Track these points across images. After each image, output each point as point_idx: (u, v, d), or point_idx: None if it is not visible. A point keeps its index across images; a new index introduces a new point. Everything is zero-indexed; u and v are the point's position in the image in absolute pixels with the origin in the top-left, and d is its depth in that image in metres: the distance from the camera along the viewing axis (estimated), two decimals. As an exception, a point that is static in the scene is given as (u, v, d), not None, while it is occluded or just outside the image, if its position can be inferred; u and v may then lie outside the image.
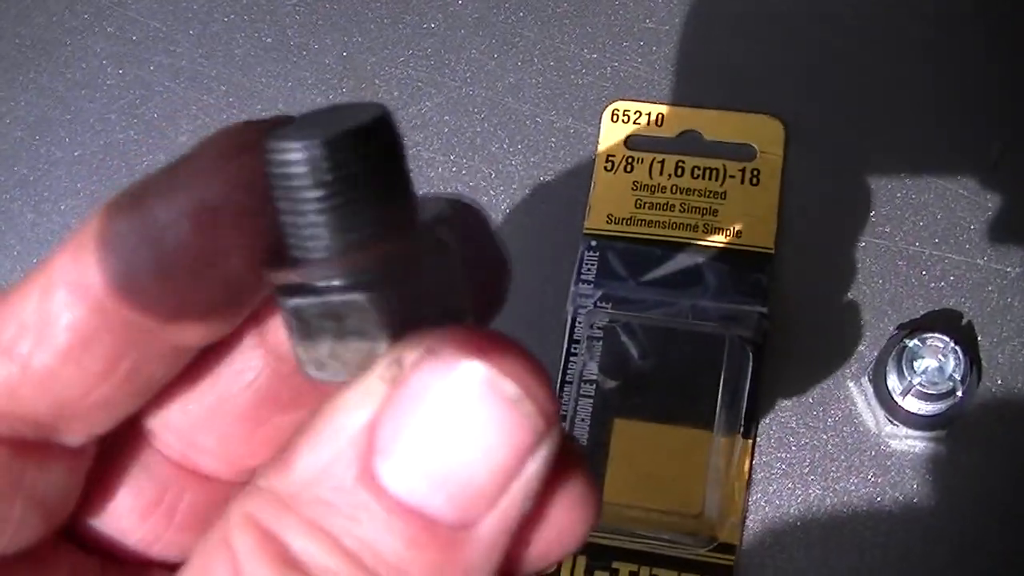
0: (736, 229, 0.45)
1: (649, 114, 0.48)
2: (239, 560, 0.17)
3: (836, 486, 0.43)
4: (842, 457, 0.43)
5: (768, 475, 0.43)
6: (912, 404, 0.41)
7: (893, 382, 0.41)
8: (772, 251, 0.45)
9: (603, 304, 0.44)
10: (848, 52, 0.48)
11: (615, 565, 0.42)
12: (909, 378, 0.40)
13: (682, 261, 0.45)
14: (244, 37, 0.53)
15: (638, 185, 0.46)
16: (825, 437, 0.43)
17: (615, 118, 0.48)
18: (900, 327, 0.43)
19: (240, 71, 0.52)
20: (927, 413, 0.41)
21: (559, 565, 0.42)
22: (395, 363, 0.17)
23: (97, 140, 0.52)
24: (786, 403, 0.44)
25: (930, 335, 0.41)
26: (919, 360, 0.41)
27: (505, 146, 0.49)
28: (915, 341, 0.41)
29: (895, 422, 0.41)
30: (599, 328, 0.44)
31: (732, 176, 0.46)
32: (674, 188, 0.46)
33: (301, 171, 0.17)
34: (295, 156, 0.17)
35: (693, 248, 0.45)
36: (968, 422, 0.42)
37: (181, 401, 0.21)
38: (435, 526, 0.17)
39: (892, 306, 0.45)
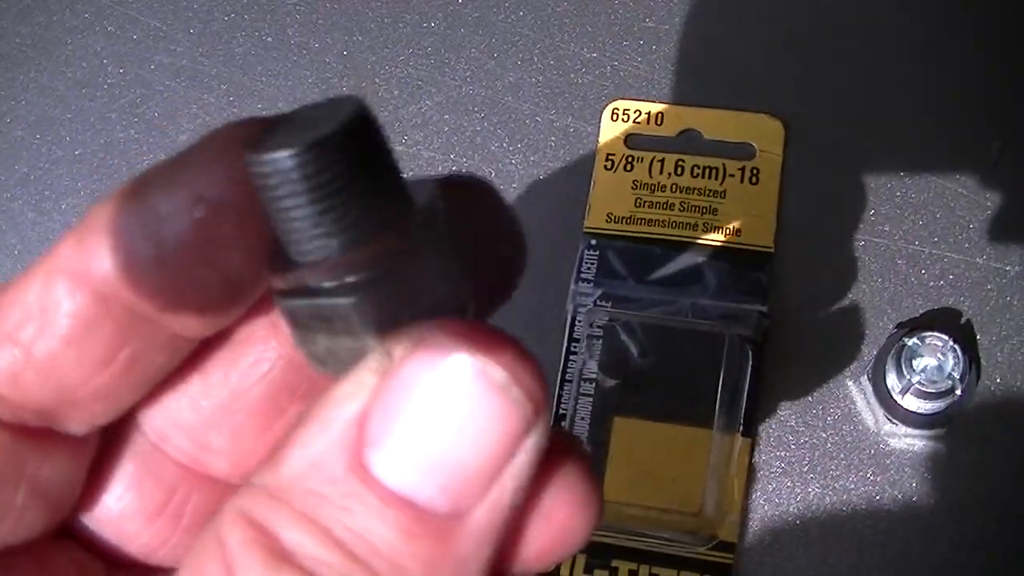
0: (736, 228, 0.45)
1: (649, 113, 0.48)
2: (231, 555, 0.17)
3: (835, 484, 0.43)
4: (841, 455, 0.43)
5: (767, 473, 0.43)
6: (911, 402, 0.41)
7: (892, 380, 0.41)
8: (772, 250, 0.45)
9: (603, 303, 0.44)
10: (848, 51, 0.48)
11: (615, 563, 0.42)
12: (908, 376, 0.41)
13: (682, 260, 0.45)
14: (244, 36, 0.53)
15: (638, 184, 0.47)
16: (824, 435, 0.43)
17: (615, 117, 0.48)
18: (899, 326, 0.43)
19: (240, 70, 0.52)
20: (926, 411, 0.41)
21: (559, 563, 0.42)
22: (385, 355, 0.17)
23: (98, 139, 0.52)
24: (785, 402, 0.44)
25: (929, 334, 0.41)
26: (918, 359, 0.41)
27: (505, 145, 0.49)
28: (914, 340, 0.41)
29: (894, 420, 0.41)
30: (599, 327, 0.44)
31: (732, 175, 0.46)
32: (674, 187, 0.46)
33: (276, 181, 0.17)
34: (269, 167, 0.17)
35: (693, 247, 0.45)
36: (967, 420, 0.42)
37: (193, 397, 0.21)
38: (427, 516, 0.17)
39: (891, 305, 0.45)
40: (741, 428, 0.43)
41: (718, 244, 0.45)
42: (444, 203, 0.18)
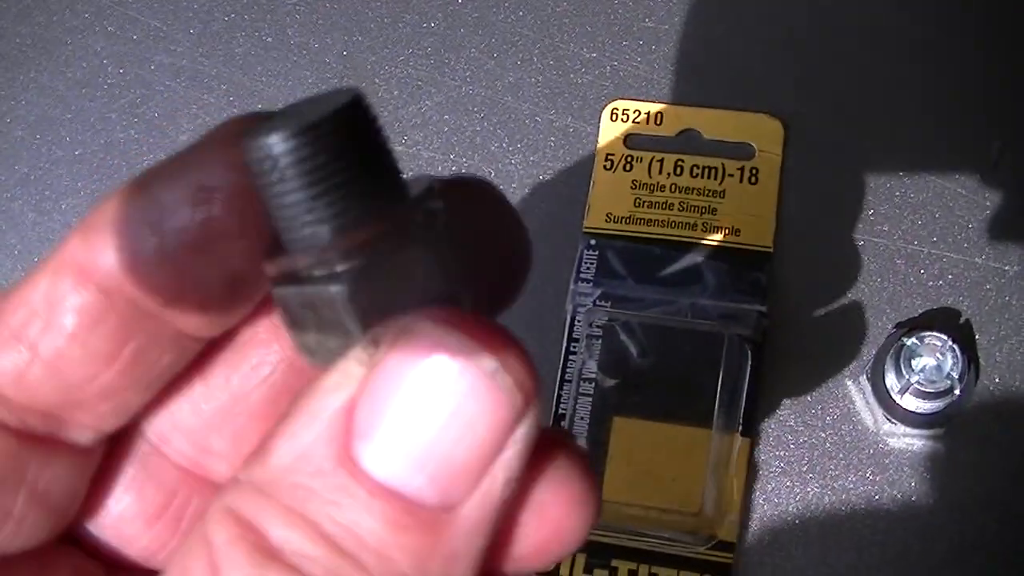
0: (735, 228, 0.45)
1: (648, 113, 0.48)
2: (216, 554, 0.16)
3: (834, 484, 0.43)
4: (840, 455, 0.43)
5: (767, 473, 0.43)
6: (910, 402, 0.41)
7: (891, 380, 0.41)
8: (771, 250, 0.45)
9: (602, 303, 0.44)
10: (847, 51, 0.48)
11: (614, 563, 0.42)
12: (907, 376, 0.41)
13: (681, 260, 0.45)
14: (244, 36, 0.53)
15: (637, 184, 0.47)
16: (823, 435, 0.43)
17: (614, 117, 0.48)
18: (898, 325, 0.43)
19: (240, 70, 0.52)
20: (925, 411, 0.41)
21: (557, 563, 0.42)
22: (372, 345, 0.17)
23: (98, 139, 0.52)
24: (785, 401, 0.44)
25: (928, 333, 0.41)
26: (917, 358, 0.41)
27: (504, 145, 0.49)
28: (913, 339, 0.41)
29: (893, 420, 0.41)
30: (598, 326, 0.44)
31: (731, 175, 0.46)
32: (673, 187, 0.46)
33: (269, 166, 0.17)
34: (261, 152, 0.17)
35: (692, 247, 0.45)
36: (966, 420, 0.42)
37: (194, 400, 0.21)
38: (417, 508, 0.16)
39: (890, 304, 0.45)
40: (740, 428, 0.43)
41: (717, 244, 0.45)
42: (441, 198, 0.18)
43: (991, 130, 0.46)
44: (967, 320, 0.44)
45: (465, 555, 0.17)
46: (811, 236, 0.46)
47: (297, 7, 0.53)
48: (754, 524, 0.43)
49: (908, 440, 0.43)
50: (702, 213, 0.46)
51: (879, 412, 0.42)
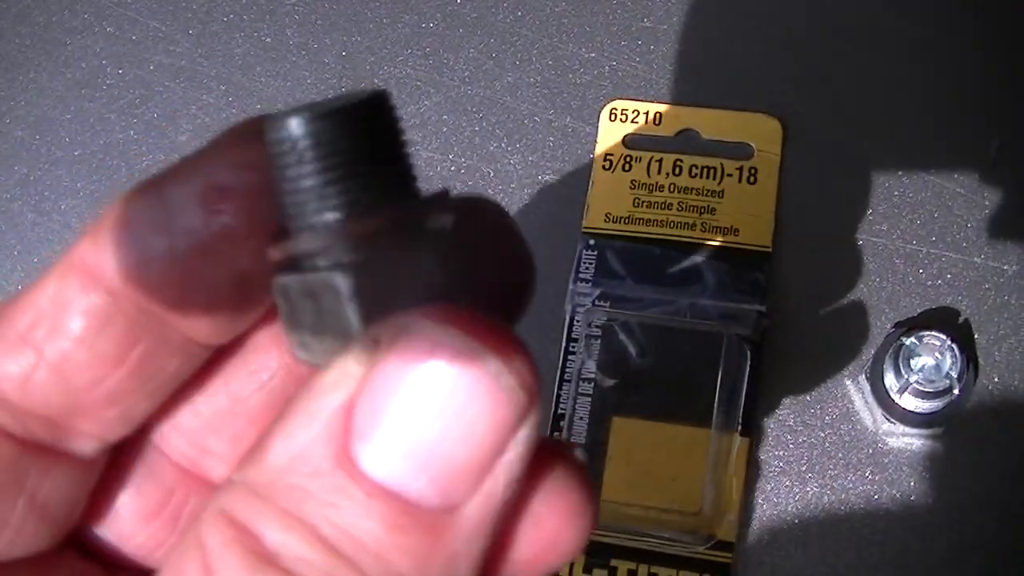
0: (734, 227, 0.45)
1: (647, 113, 0.48)
2: (210, 557, 0.16)
3: (834, 484, 0.43)
4: (839, 455, 0.43)
5: (766, 473, 0.43)
6: (909, 402, 0.41)
7: (890, 380, 0.41)
8: (770, 249, 0.45)
9: (601, 302, 0.44)
10: (846, 51, 0.48)
11: (613, 563, 0.42)
12: (906, 376, 0.41)
13: (680, 260, 0.45)
14: (243, 37, 0.53)
15: (636, 184, 0.47)
16: (823, 435, 0.43)
17: (613, 117, 0.48)
18: (897, 325, 0.43)
19: (240, 71, 0.52)
20: (924, 411, 0.41)
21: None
22: (371, 343, 0.17)
23: (97, 139, 0.52)
24: (784, 401, 0.44)
25: (927, 333, 0.41)
26: (916, 358, 0.41)
27: (503, 145, 0.49)
28: (912, 339, 0.41)
29: (892, 420, 0.41)
30: (597, 326, 0.44)
31: (730, 175, 0.46)
32: (672, 187, 0.46)
33: (286, 148, 0.17)
34: (281, 132, 0.17)
35: (691, 247, 0.45)
36: (965, 420, 0.42)
37: (193, 401, 0.21)
38: (417, 510, 0.16)
39: (889, 304, 0.45)
40: (739, 427, 0.43)
41: (716, 244, 0.45)
42: (453, 207, 0.18)
43: (990, 129, 0.46)
44: (966, 319, 0.44)
45: (466, 557, 0.17)
46: (810, 236, 0.46)
47: (296, 8, 0.53)
48: (753, 524, 0.43)
49: (907, 439, 0.43)
50: (701, 213, 0.46)
51: (878, 412, 0.42)
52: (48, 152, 0.52)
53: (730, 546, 0.42)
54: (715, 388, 0.42)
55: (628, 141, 0.48)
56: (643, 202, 0.46)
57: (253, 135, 0.19)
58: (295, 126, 0.17)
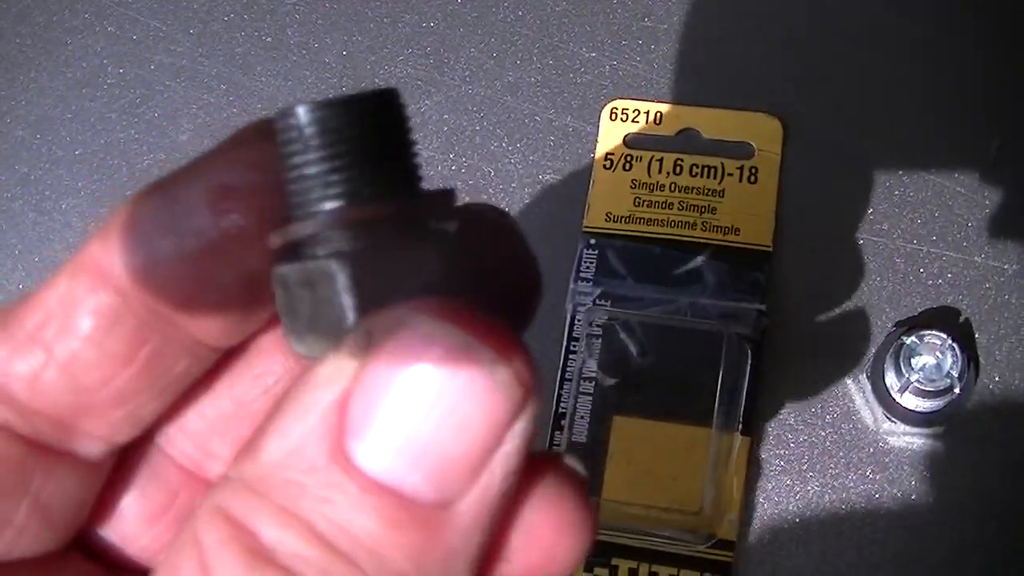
0: (734, 227, 0.45)
1: (648, 112, 0.48)
2: (206, 555, 0.16)
3: (834, 483, 0.43)
4: (840, 454, 0.43)
5: (767, 472, 0.43)
6: (910, 401, 0.41)
7: (891, 379, 0.41)
8: (770, 249, 0.45)
9: (602, 302, 0.44)
10: (846, 50, 0.48)
11: (615, 562, 0.42)
12: (907, 375, 0.41)
13: (681, 259, 0.45)
14: (244, 36, 0.53)
15: (637, 183, 0.47)
16: (823, 434, 0.43)
17: (614, 116, 0.48)
18: (898, 324, 0.44)
19: (240, 70, 0.52)
20: (925, 410, 0.41)
21: None
22: (365, 336, 0.16)
23: (98, 139, 0.52)
24: (784, 400, 0.44)
25: (928, 332, 0.41)
26: (917, 357, 0.41)
27: (504, 144, 0.49)
28: (913, 338, 0.41)
29: (893, 419, 0.41)
30: (598, 326, 0.44)
31: (730, 174, 0.46)
32: (673, 186, 0.46)
33: (294, 135, 0.18)
34: (289, 120, 0.18)
35: (692, 246, 0.45)
36: (965, 419, 0.42)
37: (198, 404, 0.21)
38: (413, 505, 0.16)
39: (890, 303, 0.45)
40: (740, 427, 0.43)
41: (717, 243, 0.45)
42: (459, 210, 0.18)
43: (990, 129, 0.46)
44: (966, 319, 0.44)
45: (464, 552, 0.17)
46: (810, 235, 0.46)
47: (297, 7, 0.53)
48: (754, 523, 0.43)
49: (908, 439, 0.43)
50: (702, 212, 0.46)
51: (879, 411, 0.42)
52: (49, 151, 0.52)
53: (731, 545, 0.42)
54: (716, 387, 0.42)
55: (629, 140, 0.48)
56: (644, 201, 0.46)
57: (262, 136, 0.19)
58: (302, 113, 0.17)
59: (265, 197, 0.19)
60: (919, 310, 0.44)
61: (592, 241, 0.46)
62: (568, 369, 0.44)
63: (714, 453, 0.42)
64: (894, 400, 0.41)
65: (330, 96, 0.18)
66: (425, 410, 0.16)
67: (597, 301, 0.44)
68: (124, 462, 0.21)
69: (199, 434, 0.22)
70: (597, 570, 0.42)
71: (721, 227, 0.45)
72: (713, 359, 0.42)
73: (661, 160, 0.47)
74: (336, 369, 0.16)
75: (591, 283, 0.45)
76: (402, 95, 0.18)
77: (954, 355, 0.41)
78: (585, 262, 0.45)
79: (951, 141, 0.47)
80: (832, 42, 0.49)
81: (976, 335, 0.44)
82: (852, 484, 0.43)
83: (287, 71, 0.52)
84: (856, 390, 0.44)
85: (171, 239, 0.18)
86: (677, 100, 0.48)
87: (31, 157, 0.52)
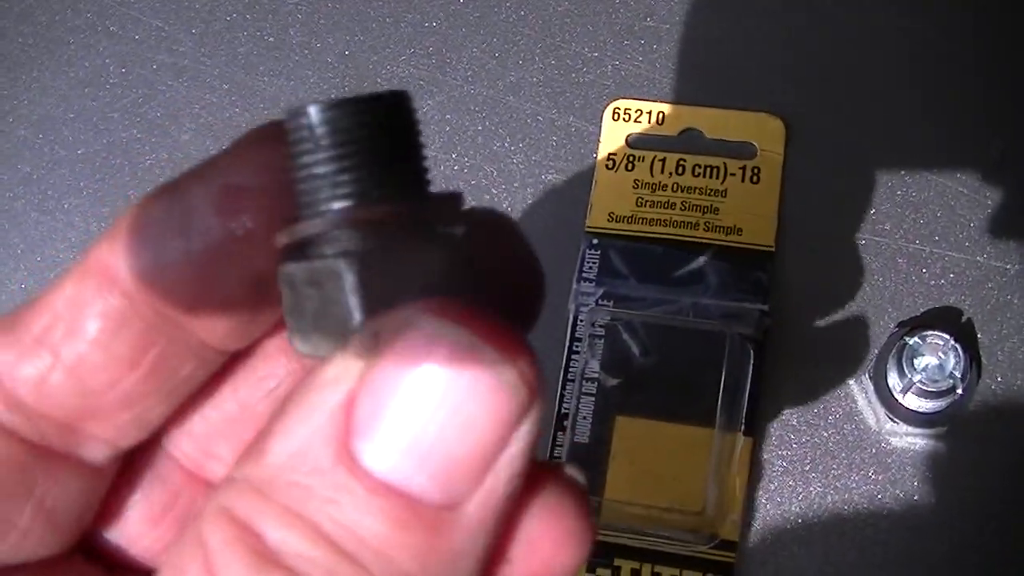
0: (737, 227, 0.45)
1: (650, 112, 0.48)
2: (212, 557, 0.16)
3: (837, 483, 0.43)
4: (843, 454, 0.43)
5: (769, 472, 0.43)
6: (912, 401, 0.41)
7: (893, 379, 0.41)
8: (773, 249, 0.45)
9: (604, 302, 0.44)
10: (849, 50, 0.48)
11: (617, 562, 0.42)
12: (909, 375, 0.41)
13: (683, 259, 0.45)
14: (246, 36, 0.53)
15: (639, 183, 0.47)
16: (826, 434, 0.43)
17: (616, 116, 0.48)
18: (900, 324, 0.44)
19: (242, 70, 0.52)
20: (927, 410, 0.41)
21: None
22: (371, 337, 0.16)
23: (100, 139, 0.52)
24: (787, 400, 0.44)
25: (930, 332, 0.41)
26: (919, 357, 0.41)
27: (506, 144, 0.49)
28: (915, 339, 0.41)
29: (895, 419, 0.41)
30: (601, 326, 0.44)
31: (733, 174, 0.46)
32: (675, 186, 0.46)
33: (305, 134, 0.18)
34: (300, 118, 0.18)
35: (694, 246, 0.45)
36: (968, 419, 0.42)
37: (201, 405, 0.21)
38: (419, 506, 0.16)
39: (892, 304, 0.45)
40: (742, 427, 0.43)
41: (719, 243, 0.45)
42: (466, 213, 0.18)
43: (992, 128, 0.46)
44: (969, 319, 0.44)
45: (469, 553, 0.17)
46: (813, 235, 0.46)
47: (299, 7, 0.53)
48: (756, 523, 0.43)
49: (910, 439, 0.43)
50: (704, 212, 0.46)
51: (881, 411, 0.42)
52: (51, 151, 0.52)
53: (733, 545, 0.42)
54: (718, 388, 0.42)
55: (631, 140, 0.48)
56: (646, 201, 0.46)
57: (268, 140, 0.19)
58: (314, 112, 0.18)
59: (273, 200, 0.19)
60: (921, 310, 0.44)
61: (594, 241, 0.46)
62: (571, 369, 0.44)
63: (716, 453, 0.42)
64: (896, 400, 0.41)
65: (340, 96, 0.18)
66: (431, 411, 0.16)
67: (600, 301, 0.44)
68: (127, 464, 0.21)
69: (202, 436, 0.22)
70: (599, 570, 0.42)
71: (723, 227, 0.45)
72: (716, 359, 0.42)
73: (664, 160, 0.47)
74: (342, 370, 0.16)
75: (594, 283, 0.45)
76: (412, 97, 0.19)
77: (956, 355, 0.41)
78: (588, 262, 0.45)
79: (953, 141, 0.47)
80: (834, 42, 0.49)
81: (978, 335, 0.44)
82: (854, 484, 0.43)
83: (289, 71, 0.52)
84: (858, 390, 0.44)
85: (179, 242, 0.18)
86: (679, 100, 0.48)
87: (33, 157, 0.52)
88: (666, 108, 0.48)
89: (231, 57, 0.53)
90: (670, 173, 0.47)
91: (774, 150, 0.47)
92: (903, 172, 0.46)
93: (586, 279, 0.45)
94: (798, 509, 0.43)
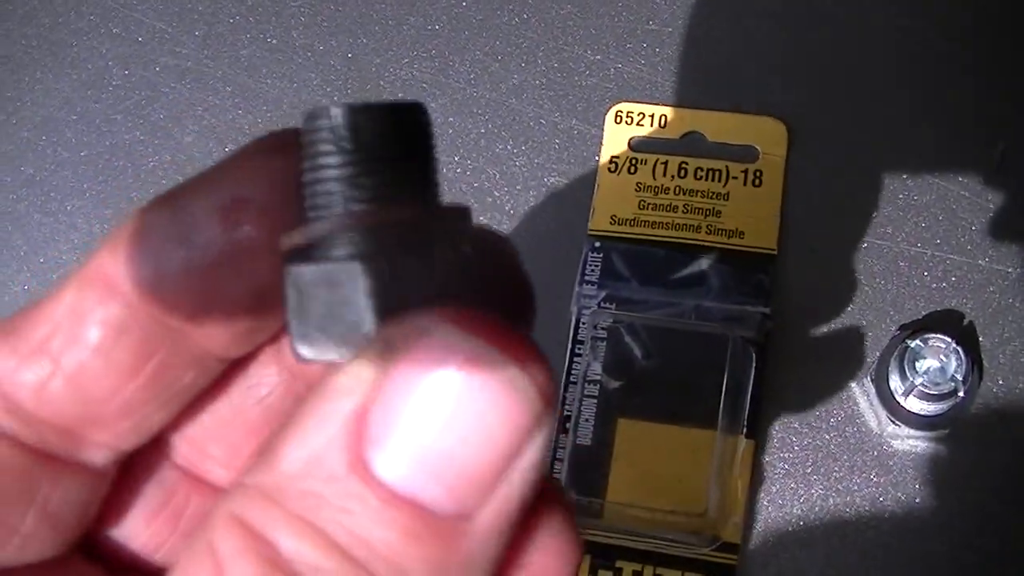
0: (739, 230, 0.45)
1: (652, 116, 0.48)
2: (223, 565, 0.16)
3: (838, 486, 0.43)
4: (844, 457, 0.43)
5: (771, 475, 0.43)
6: (914, 404, 0.41)
7: (895, 382, 0.41)
8: (774, 252, 0.45)
9: (607, 305, 0.45)
10: (850, 54, 0.49)
11: (619, 564, 0.42)
12: (911, 378, 0.41)
13: (685, 262, 0.45)
14: (249, 38, 0.53)
15: (641, 186, 0.47)
16: (828, 437, 0.44)
17: (619, 120, 0.48)
18: (902, 327, 0.44)
19: (245, 72, 0.52)
20: (929, 413, 0.41)
21: None
22: (385, 345, 0.16)
23: (103, 141, 0.52)
24: (789, 403, 0.44)
25: (932, 335, 0.41)
26: (921, 360, 0.41)
27: (509, 147, 0.49)
28: (917, 341, 0.41)
29: (897, 422, 0.41)
30: (603, 329, 0.44)
31: (735, 177, 0.46)
32: (677, 189, 0.46)
33: (326, 135, 0.18)
34: (324, 119, 0.18)
35: (696, 249, 0.45)
36: (970, 422, 0.42)
37: (194, 409, 0.21)
38: (432, 516, 0.16)
39: (894, 307, 0.45)
40: (744, 430, 0.43)
41: (721, 246, 0.45)
42: (471, 225, 0.19)
43: (994, 132, 0.46)
44: (970, 322, 0.44)
45: (480, 564, 0.16)
46: (815, 238, 0.46)
47: (302, 9, 0.53)
48: (758, 526, 0.43)
49: (912, 442, 0.43)
50: (706, 215, 0.46)
51: (883, 414, 0.42)
52: (54, 153, 0.52)
53: (735, 548, 0.42)
54: (720, 390, 0.42)
55: (633, 144, 0.48)
56: (648, 204, 0.46)
57: (273, 149, 0.19)
58: (339, 114, 0.18)
59: (277, 210, 0.19)
60: (923, 313, 0.44)
61: (597, 244, 0.46)
62: (573, 372, 0.44)
63: (718, 456, 0.42)
64: (898, 403, 0.41)
65: (359, 101, 0.18)
66: (446, 421, 0.16)
67: (602, 304, 0.45)
68: (124, 464, 0.21)
69: (195, 438, 0.22)
70: (601, 572, 0.42)
71: (726, 230, 0.45)
72: (717, 362, 0.42)
73: (666, 163, 0.47)
74: (355, 378, 0.16)
75: (596, 286, 0.45)
76: (428, 112, 0.19)
77: (958, 358, 0.41)
78: (590, 265, 0.45)
79: (955, 144, 0.47)
80: (836, 46, 0.49)
81: (980, 338, 0.44)
82: (856, 487, 0.43)
83: (292, 73, 0.52)
84: (860, 393, 0.44)
85: (182, 251, 0.18)
86: (682, 103, 0.48)
87: (36, 158, 0.52)
88: (668, 111, 0.48)
89: (234, 59, 0.53)
90: (672, 176, 0.47)
91: (776, 153, 0.47)
92: (905, 175, 0.46)
93: (588, 282, 0.45)
94: (800, 511, 0.43)
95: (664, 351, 0.43)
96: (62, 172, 0.52)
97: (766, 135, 0.47)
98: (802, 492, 0.43)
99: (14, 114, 0.53)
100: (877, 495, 0.42)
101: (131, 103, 0.53)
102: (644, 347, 0.43)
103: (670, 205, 0.46)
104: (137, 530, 0.22)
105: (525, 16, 0.51)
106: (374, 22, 0.52)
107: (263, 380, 0.21)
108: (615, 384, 0.43)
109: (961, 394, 0.41)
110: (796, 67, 0.49)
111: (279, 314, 0.19)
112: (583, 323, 0.45)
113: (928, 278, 0.45)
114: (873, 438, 0.43)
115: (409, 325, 0.16)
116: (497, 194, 0.48)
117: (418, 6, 0.52)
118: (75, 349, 0.19)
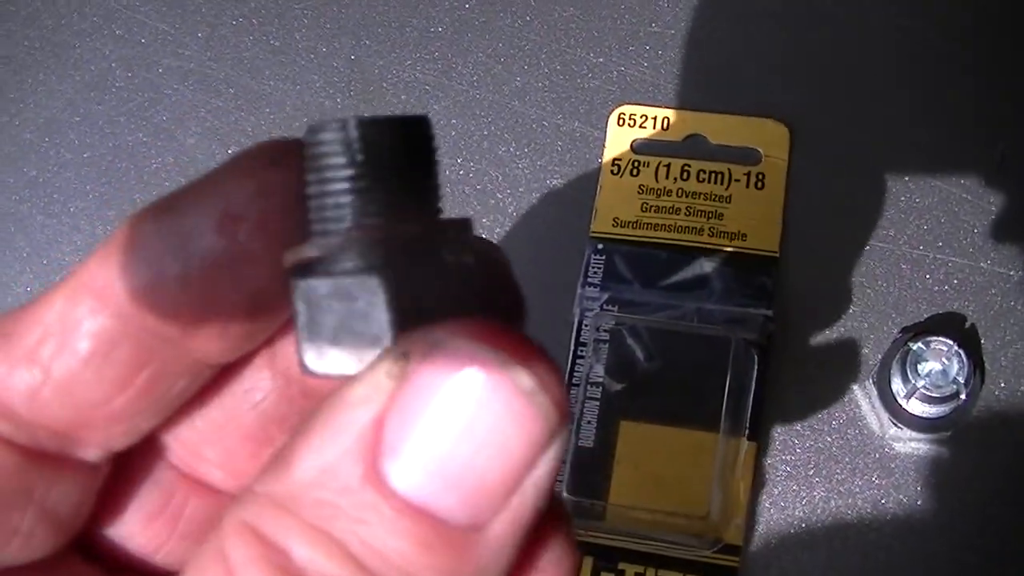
0: (741, 232, 0.45)
1: (655, 118, 0.48)
2: (235, 572, 0.16)
3: (840, 488, 0.43)
4: (846, 459, 0.43)
5: (773, 477, 0.43)
6: (916, 407, 0.41)
7: (897, 385, 0.41)
8: (777, 254, 0.45)
9: (609, 307, 0.45)
10: (852, 56, 0.49)
11: (621, 566, 0.42)
12: (913, 381, 0.41)
13: (687, 264, 0.45)
14: (252, 40, 0.53)
15: (644, 189, 0.47)
16: (830, 440, 0.44)
17: (621, 122, 0.48)
18: (904, 330, 0.44)
19: (248, 74, 0.52)
20: (931, 416, 0.41)
21: None
22: (402, 356, 0.16)
23: (106, 142, 0.52)
24: (791, 405, 0.44)
25: (934, 338, 0.41)
26: (923, 363, 0.41)
27: (512, 149, 0.49)
28: (919, 344, 0.41)
29: (899, 425, 0.41)
30: (605, 331, 0.44)
31: (737, 180, 0.46)
32: (680, 192, 0.46)
33: (338, 148, 0.18)
34: (330, 134, 0.18)
35: (699, 251, 0.45)
36: (972, 425, 0.42)
37: (189, 414, 0.21)
38: (445, 527, 0.16)
39: (896, 309, 0.45)
40: (747, 432, 0.43)
41: (724, 249, 0.45)
42: (472, 235, 0.19)
43: (996, 134, 0.46)
44: (972, 325, 0.44)
45: (492, 573, 0.17)
46: (817, 241, 0.46)
47: (305, 11, 0.53)
48: (760, 528, 0.43)
49: (914, 445, 0.43)
50: (709, 218, 0.46)
51: (885, 417, 0.42)
52: (57, 154, 0.53)
53: (737, 550, 0.42)
54: (722, 392, 0.42)
55: (636, 146, 0.48)
56: (651, 207, 0.46)
57: (271, 159, 0.19)
58: (352, 127, 0.18)
59: (274, 220, 0.19)
60: (925, 316, 0.45)
61: (599, 246, 0.46)
62: (575, 374, 0.44)
63: (721, 458, 0.42)
64: (900, 406, 0.41)
65: (366, 115, 0.18)
66: (461, 432, 0.16)
67: (604, 306, 0.45)
68: (120, 463, 0.21)
69: (189, 441, 0.22)
70: (604, 574, 0.42)
71: (728, 233, 0.45)
72: (720, 364, 0.42)
73: (668, 165, 0.47)
74: (371, 389, 0.16)
75: (598, 288, 0.45)
76: (432, 126, 0.19)
77: (960, 361, 0.41)
78: (592, 267, 0.45)
79: (957, 147, 0.47)
80: (839, 48, 0.49)
81: (982, 341, 0.44)
82: (858, 490, 0.43)
83: (295, 75, 0.52)
84: (862, 396, 0.44)
85: (177, 260, 0.18)
86: (684, 105, 0.48)
87: (39, 160, 0.52)
88: (671, 113, 0.48)
89: (237, 61, 0.53)
90: (675, 178, 0.47)
91: (778, 156, 0.47)
92: (907, 178, 0.46)
93: (591, 284, 0.45)
94: (802, 514, 0.43)
95: (666, 353, 0.43)
96: (65, 174, 0.52)
97: (768, 137, 0.47)
98: (804, 494, 0.43)
99: (17, 115, 0.53)
100: (879, 497, 0.43)
101: (134, 105, 0.53)
102: (646, 349, 0.43)
103: (672, 207, 0.46)
104: (136, 531, 0.22)
105: (528, 19, 0.51)
106: (377, 24, 0.52)
107: (258, 385, 0.21)
108: (617, 386, 0.43)
109: (963, 397, 0.41)
110: (797, 69, 0.49)
111: (274, 320, 0.19)
112: (585, 325, 0.45)
113: (930, 281, 0.45)
114: (875, 440, 0.43)
115: (425, 336, 0.16)
116: (500, 196, 0.48)
117: (421, 8, 0.52)
118: (65, 358, 0.19)
